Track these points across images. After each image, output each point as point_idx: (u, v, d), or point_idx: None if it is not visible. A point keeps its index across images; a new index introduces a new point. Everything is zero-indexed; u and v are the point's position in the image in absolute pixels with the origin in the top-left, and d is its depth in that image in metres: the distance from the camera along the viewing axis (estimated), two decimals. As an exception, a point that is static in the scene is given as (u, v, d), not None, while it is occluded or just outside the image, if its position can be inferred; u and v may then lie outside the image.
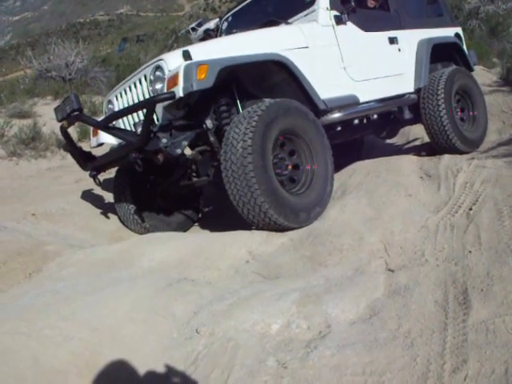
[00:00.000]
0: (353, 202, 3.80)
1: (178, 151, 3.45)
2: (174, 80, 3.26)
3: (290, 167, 3.67)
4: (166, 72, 3.45)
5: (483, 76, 10.63)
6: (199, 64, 3.25)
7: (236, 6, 5.50)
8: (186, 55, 3.44)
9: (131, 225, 4.39)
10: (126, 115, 3.71)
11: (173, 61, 3.46)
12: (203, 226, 4.77)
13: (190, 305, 2.39)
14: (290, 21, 4.41)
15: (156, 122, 3.54)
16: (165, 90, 3.35)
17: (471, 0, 14.36)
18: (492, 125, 6.08)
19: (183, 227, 4.72)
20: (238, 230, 3.59)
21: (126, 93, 3.94)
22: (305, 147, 3.73)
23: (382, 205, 3.66)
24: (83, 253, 3.22)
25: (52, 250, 3.44)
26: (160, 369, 1.99)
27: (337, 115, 4.14)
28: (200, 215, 5.07)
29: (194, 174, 4.11)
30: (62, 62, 9.17)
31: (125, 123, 3.99)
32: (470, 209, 3.33)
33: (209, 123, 3.68)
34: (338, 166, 5.38)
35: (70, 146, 3.96)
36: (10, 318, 2.09)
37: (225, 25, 5.54)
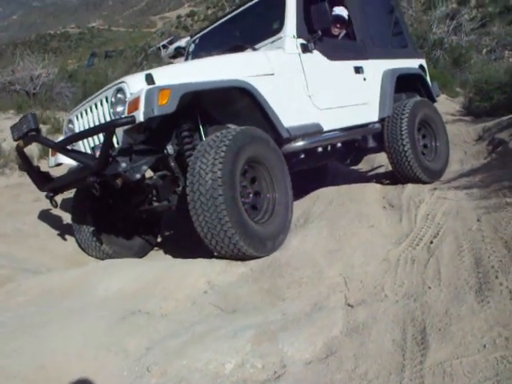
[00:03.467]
0: (314, 232, 3.77)
1: (137, 176, 3.37)
2: (135, 104, 3.18)
3: (251, 195, 3.63)
4: (128, 95, 3.37)
5: (447, 105, 10.91)
6: (161, 89, 3.19)
7: (204, 29, 5.49)
8: (149, 79, 3.37)
9: (91, 251, 4.26)
10: (85, 138, 3.62)
11: (135, 84, 3.38)
12: (163, 251, 4.67)
13: (143, 340, 2.30)
14: (256, 47, 4.40)
15: (116, 145, 3.45)
16: (125, 114, 3.27)
17: (436, 30, 14.76)
18: (454, 155, 6.17)
19: (144, 251, 4.62)
20: (198, 258, 3.52)
21: (86, 113, 3.84)
22: (266, 174, 3.70)
23: (344, 236, 3.64)
24: (36, 280, 3.10)
25: (3, 274, 3.32)
26: (107, 411, 1.90)
27: (300, 143, 4.14)
28: (160, 239, 4.99)
29: (154, 199, 4.02)
30: (27, 76, 8.97)
31: (85, 145, 3.90)
32: (431, 242, 3.34)
33: (170, 148, 3.63)
34: (303, 191, 5.40)
35: (27, 166, 3.83)
36: None
37: (192, 47, 5.51)
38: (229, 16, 5.10)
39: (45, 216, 4.86)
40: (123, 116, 3.25)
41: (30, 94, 9.06)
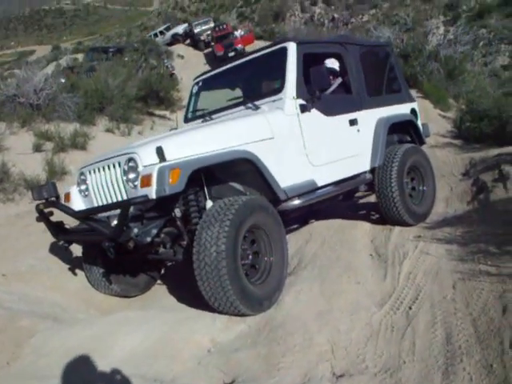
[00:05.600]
0: (306, 287, 4.17)
1: (148, 239, 3.74)
2: (147, 180, 3.55)
3: (250, 256, 4.01)
4: (140, 165, 3.73)
5: (439, 124, 11.30)
6: (171, 168, 3.55)
7: (207, 72, 5.81)
8: (159, 152, 3.72)
9: (101, 289, 4.66)
10: (103, 212, 3.96)
11: (146, 156, 3.74)
12: (167, 287, 5.04)
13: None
14: (257, 103, 4.75)
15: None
16: (138, 185, 3.64)
17: (431, 42, 15.08)
18: (441, 191, 6.53)
19: (148, 287, 5.05)
20: (201, 311, 3.92)
21: (99, 171, 4.18)
22: (264, 237, 4.08)
23: (333, 295, 4.04)
24: (58, 337, 3.47)
25: (26, 326, 3.69)
26: None
27: (295, 202, 4.52)
28: (162, 270, 5.39)
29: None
30: (31, 88, 9.25)
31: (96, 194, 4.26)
32: (410, 307, 3.75)
33: (177, 212, 3.99)
34: (296, 221, 5.86)
35: (44, 221, 4.18)
36: None
37: (195, 88, 5.82)
38: (232, 64, 5.42)
39: (54, 250, 5.20)
40: (136, 187, 3.67)
41: (34, 106, 9.34)
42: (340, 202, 6.81)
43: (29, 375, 3.04)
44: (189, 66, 28.01)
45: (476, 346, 3.09)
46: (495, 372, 2.80)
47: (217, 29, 33.83)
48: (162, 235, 4.02)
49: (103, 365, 3.14)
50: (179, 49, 34.80)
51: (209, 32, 34.87)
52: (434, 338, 3.31)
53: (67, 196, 4.55)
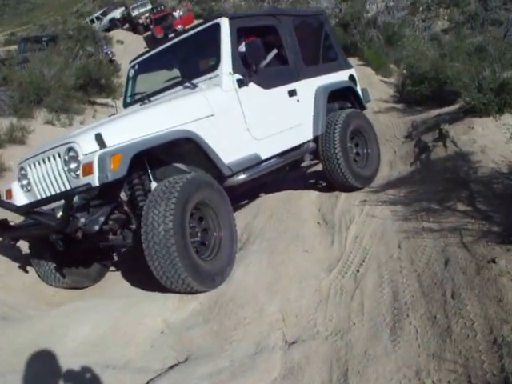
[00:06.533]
0: (255, 260, 4.20)
1: (96, 228, 3.64)
2: (88, 168, 3.46)
3: (199, 233, 3.99)
4: (80, 154, 3.63)
5: (381, 89, 11.44)
6: (112, 154, 3.48)
7: (143, 54, 5.67)
8: (99, 139, 3.63)
9: (52, 282, 4.52)
10: (47, 204, 3.83)
11: (85, 144, 3.65)
12: (120, 273, 4.96)
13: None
14: (195, 81, 4.69)
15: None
16: (80, 174, 3.55)
17: (369, 9, 15.23)
18: (385, 155, 6.64)
19: (101, 275, 4.95)
20: (153, 293, 3.88)
21: (39, 164, 4.04)
22: (212, 213, 4.07)
23: (282, 264, 4.08)
24: (5, 337, 3.36)
25: (-30, 327, 3.56)
26: None
27: (241, 177, 4.51)
28: (115, 258, 5.30)
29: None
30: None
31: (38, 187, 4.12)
32: (358, 270, 3.83)
33: (123, 196, 3.93)
34: (246, 196, 5.83)
35: None
36: None
37: (132, 72, 5.70)
38: (167, 44, 5.33)
39: (1, 249, 5.02)
40: (78, 177, 3.57)
41: (-33, 102, 8.93)
42: (288, 173, 6.89)
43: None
44: (129, 50, 27.14)
45: (421, 299, 3.18)
46: (438, 322, 2.90)
47: (155, 11, 32.93)
48: (110, 222, 3.93)
49: (54, 358, 3.07)
50: (118, 34, 33.71)
51: (147, 15, 33.89)
52: (381, 297, 3.39)
53: (9, 192, 4.38)
